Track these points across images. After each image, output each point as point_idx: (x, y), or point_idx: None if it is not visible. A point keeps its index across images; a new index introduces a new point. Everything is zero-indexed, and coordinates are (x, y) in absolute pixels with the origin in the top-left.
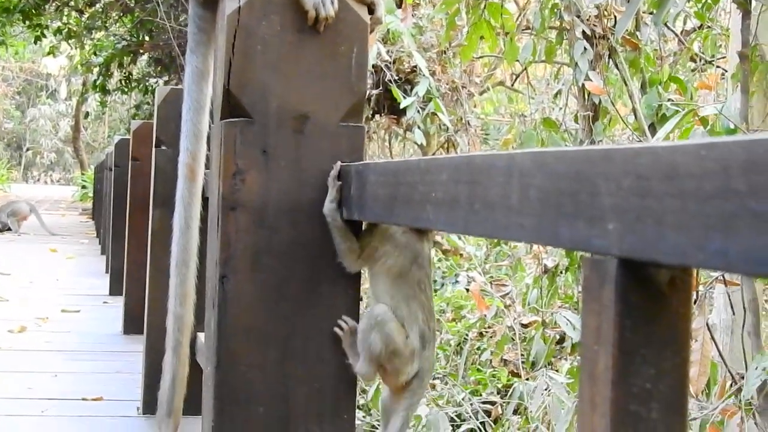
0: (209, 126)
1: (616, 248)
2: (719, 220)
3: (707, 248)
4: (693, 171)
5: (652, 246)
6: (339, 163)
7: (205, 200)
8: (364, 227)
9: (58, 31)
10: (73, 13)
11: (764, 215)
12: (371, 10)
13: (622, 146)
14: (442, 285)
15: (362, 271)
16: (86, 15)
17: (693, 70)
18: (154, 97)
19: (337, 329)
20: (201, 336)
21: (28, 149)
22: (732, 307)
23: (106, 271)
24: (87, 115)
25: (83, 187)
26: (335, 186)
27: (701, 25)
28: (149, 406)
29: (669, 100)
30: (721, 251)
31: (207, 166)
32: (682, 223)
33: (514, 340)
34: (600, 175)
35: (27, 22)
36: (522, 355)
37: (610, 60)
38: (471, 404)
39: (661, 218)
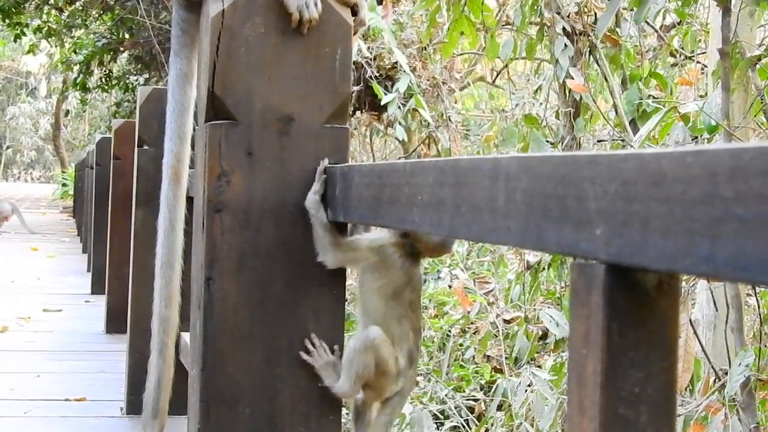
0: (193, 128)
1: (603, 253)
2: (705, 226)
3: (694, 254)
4: (679, 177)
5: (639, 251)
6: (326, 159)
7: (189, 200)
8: (349, 234)
9: (38, 29)
10: (53, 12)
11: (750, 222)
12: (354, 12)
13: (608, 151)
14: (425, 281)
15: (349, 271)
16: (66, 13)
17: (673, 65)
18: (134, 94)
19: (304, 354)
20: (185, 336)
21: (8, 147)
22: (715, 303)
23: (88, 270)
24: (67, 113)
25: (64, 185)
26: (321, 179)
27: (680, 21)
28: (133, 406)
29: (649, 96)
30: (708, 257)
31: (191, 167)
32: (669, 229)
33: (497, 336)
34: (586, 180)
35: (7, 21)
36: (505, 351)
37: (591, 56)
38: (454, 401)
39: (647, 223)
